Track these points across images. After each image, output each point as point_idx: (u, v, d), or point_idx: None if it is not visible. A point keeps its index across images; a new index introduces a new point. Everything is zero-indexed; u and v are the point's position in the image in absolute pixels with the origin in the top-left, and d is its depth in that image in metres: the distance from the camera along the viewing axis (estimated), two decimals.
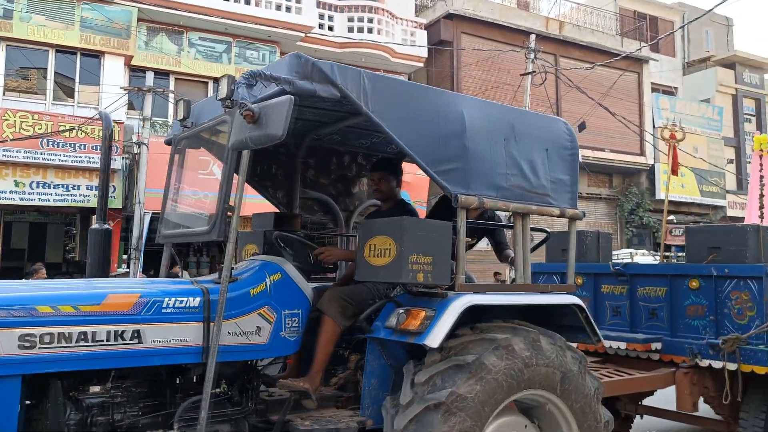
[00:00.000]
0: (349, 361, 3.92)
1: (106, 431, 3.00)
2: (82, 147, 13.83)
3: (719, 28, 28.19)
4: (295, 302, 3.54)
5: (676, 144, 7.66)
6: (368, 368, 3.48)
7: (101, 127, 5.14)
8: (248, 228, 5.31)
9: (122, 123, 14.34)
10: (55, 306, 2.85)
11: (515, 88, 17.27)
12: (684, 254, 6.63)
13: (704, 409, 5.33)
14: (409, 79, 17.52)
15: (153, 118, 14.77)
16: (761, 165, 8.52)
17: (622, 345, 5.39)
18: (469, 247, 4.31)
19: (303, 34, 17.05)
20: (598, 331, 3.93)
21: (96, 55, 15.11)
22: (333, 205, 4.95)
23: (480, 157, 3.61)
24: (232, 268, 3.21)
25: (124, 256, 14.82)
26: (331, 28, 17.83)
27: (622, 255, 14.38)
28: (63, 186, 13.89)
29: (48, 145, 13.60)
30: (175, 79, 16.23)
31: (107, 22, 14.90)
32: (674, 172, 7.75)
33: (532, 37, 17.47)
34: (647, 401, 5.71)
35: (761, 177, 8.38)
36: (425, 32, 19.33)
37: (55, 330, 2.81)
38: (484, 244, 4.98)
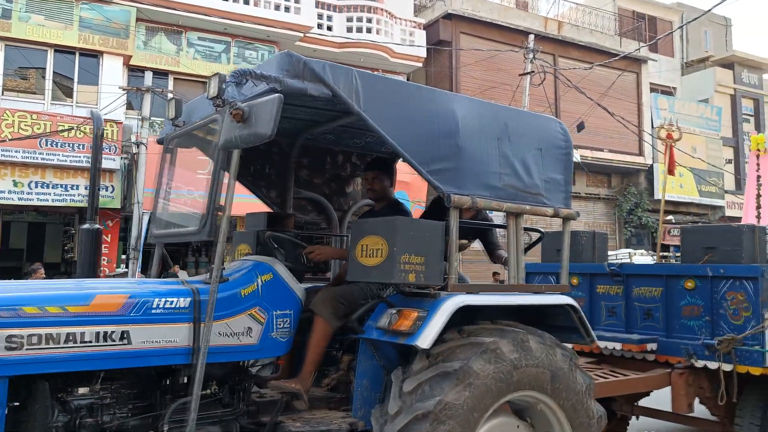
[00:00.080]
0: (341, 361, 3.90)
1: None
2: (80, 147, 13.81)
3: (718, 28, 28.17)
4: (286, 303, 3.51)
5: (673, 144, 7.66)
6: (360, 369, 3.45)
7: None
8: (243, 228, 5.28)
9: (121, 123, 14.36)
10: (42, 307, 2.82)
11: (514, 89, 17.25)
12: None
13: (700, 410, 5.31)
14: (408, 80, 17.53)
15: (152, 118, 14.77)
16: (758, 165, 8.51)
17: (618, 345, 5.37)
18: (464, 247, 4.29)
19: (302, 34, 17.03)
20: (591, 331, 3.91)
21: (95, 54, 15.09)
22: (327, 204, 4.92)
23: (473, 156, 3.59)
24: (223, 269, 3.18)
25: (123, 256, 14.82)
26: (330, 28, 17.81)
27: (621, 255, 14.31)
28: (61, 186, 13.88)
29: (46, 145, 13.60)
30: (174, 79, 16.21)
31: (106, 22, 14.88)
32: (671, 172, 7.74)
33: (531, 37, 17.46)
34: (643, 402, 5.67)
35: (758, 177, 8.36)
36: (424, 32, 19.30)
37: (42, 331, 2.78)
38: (480, 244, 4.97)
